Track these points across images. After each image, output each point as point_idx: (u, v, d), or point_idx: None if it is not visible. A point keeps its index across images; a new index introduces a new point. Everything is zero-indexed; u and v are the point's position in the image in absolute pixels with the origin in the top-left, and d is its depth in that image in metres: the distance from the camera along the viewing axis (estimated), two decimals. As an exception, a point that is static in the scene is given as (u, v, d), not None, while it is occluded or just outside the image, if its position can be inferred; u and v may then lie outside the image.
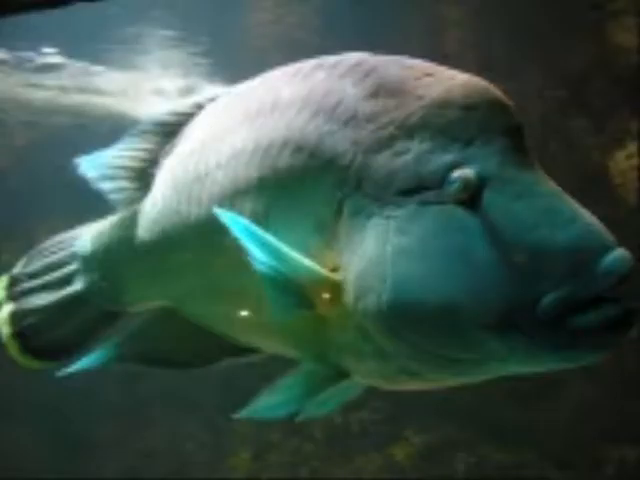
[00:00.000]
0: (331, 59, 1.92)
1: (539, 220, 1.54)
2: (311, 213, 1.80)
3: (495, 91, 1.70)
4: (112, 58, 7.12)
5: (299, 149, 1.84)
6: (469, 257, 1.56)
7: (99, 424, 6.62)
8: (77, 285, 2.53)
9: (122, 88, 7.30)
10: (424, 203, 1.63)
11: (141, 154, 2.38)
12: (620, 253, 1.51)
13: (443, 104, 1.67)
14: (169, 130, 2.36)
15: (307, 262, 1.74)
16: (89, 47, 6.89)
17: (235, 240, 1.74)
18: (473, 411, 6.14)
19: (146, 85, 7.41)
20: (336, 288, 1.73)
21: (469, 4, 6.47)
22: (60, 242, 2.61)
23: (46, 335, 2.56)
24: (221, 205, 1.97)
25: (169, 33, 6.81)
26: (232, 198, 1.99)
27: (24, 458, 6.44)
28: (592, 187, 5.80)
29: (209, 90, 2.69)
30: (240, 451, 6.49)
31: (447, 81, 1.71)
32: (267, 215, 1.89)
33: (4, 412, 6.46)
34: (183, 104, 2.38)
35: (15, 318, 2.57)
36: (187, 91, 7.32)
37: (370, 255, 1.66)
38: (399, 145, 1.69)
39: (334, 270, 1.75)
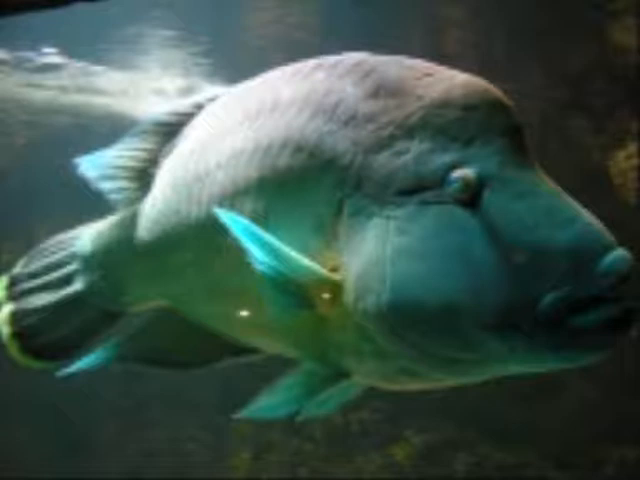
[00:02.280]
0: (331, 59, 1.92)
1: (539, 220, 1.54)
2: (311, 213, 1.80)
3: (495, 91, 1.70)
4: (112, 58, 7.12)
5: (299, 149, 1.84)
6: (469, 257, 1.56)
7: (99, 424, 6.62)
8: (77, 285, 2.53)
9: (122, 88, 7.30)
10: (424, 203, 1.63)
11: (141, 154, 2.38)
12: (620, 253, 1.51)
13: (443, 104, 1.67)
14: (169, 130, 2.36)
15: (307, 262, 1.74)
16: (89, 47, 6.89)
17: (235, 240, 1.74)
18: (473, 411, 6.14)
19: (146, 85, 7.41)
20: (336, 288, 1.73)
21: (469, 4, 6.47)
22: (60, 242, 2.61)
23: (46, 335, 2.56)
24: (221, 205, 1.97)
25: (169, 33, 6.80)
26: (232, 198, 1.99)
27: (24, 458, 6.44)
28: (592, 187, 5.79)
29: (209, 90, 2.68)
30: (240, 451, 6.49)
31: (447, 81, 1.71)
32: (267, 215, 1.89)
33: (4, 412, 6.46)
34: (183, 104, 2.38)
35: (15, 318, 2.57)
36: (187, 91, 7.32)
37: (370, 255, 1.66)
38: (399, 145, 1.69)
39: (334, 270, 1.75)
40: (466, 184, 1.60)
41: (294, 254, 1.74)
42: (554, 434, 6.09)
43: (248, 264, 1.73)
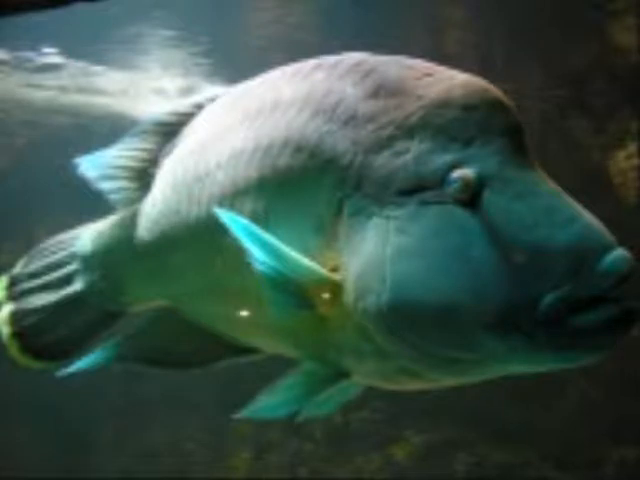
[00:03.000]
0: (331, 59, 1.92)
1: (539, 220, 1.54)
2: (311, 213, 1.80)
3: (495, 91, 1.70)
4: (112, 58, 7.12)
5: (299, 149, 1.84)
6: (469, 257, 1.56)
7: (99, 424, 6.62)
8: (77, 285, 2.53)
9: (122, 88, 7.30)
10: (424, 203, 1.63)
11: (141, 154, 2.38)
12: (620, 253, 1.51)
13: (443, 104, 1.67)
14: (169, 130, 2.36)
15: (307, 262, 1.74)
16: (89, 47, 6.88)
17: (235, 240, 1.74)
18: (473, 411, 6.14)
19: (146, 85, 7.41)
20: (336, 288, 1.73)
21: (469, 4, 6.47)
22: (60, 242, 2.61)
23: (46, 335, 2.56)
24: (221, 205, 1.97)
25: (169, 33, 6.80)
26: (232, 198, 1.99)
27: (24, 458, 6.43)
28: (592, 187, 5.80)
29: (209, 90, 2.68)
30: (240, 451, 6.49)
31: (447, 81, 1.72)
32: (267, 215, 1.89)
33: (4, 412, 6.46)
34: (183, 104, 2.38)
35: (15, 318, 2.57)
36: (187, 91, 7.32)
37: (370, 255, 1.66)
38: (399, 145, 1.69)
39: (334, 270, 1.75)
40: (466, 184, 1.60)
41: (294, 254, 1.74)
42: (554, 434, 6.09)
43: (248, 264, 1.73)
